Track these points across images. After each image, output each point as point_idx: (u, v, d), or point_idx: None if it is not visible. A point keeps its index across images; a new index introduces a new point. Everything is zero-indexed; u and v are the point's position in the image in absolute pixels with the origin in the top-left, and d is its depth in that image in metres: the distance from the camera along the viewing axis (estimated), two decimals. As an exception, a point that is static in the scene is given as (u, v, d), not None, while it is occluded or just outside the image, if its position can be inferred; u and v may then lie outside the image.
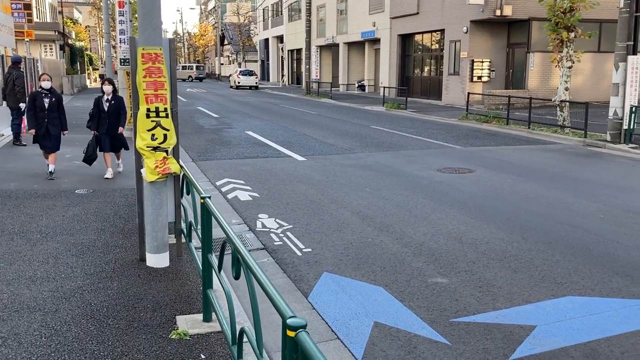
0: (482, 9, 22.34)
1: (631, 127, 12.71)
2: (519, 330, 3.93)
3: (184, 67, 62.63)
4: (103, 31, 20.72)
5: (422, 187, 8.60)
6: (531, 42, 22.57)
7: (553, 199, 7.84)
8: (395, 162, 10.74)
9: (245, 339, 2.78)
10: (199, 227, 4.06)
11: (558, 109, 15.17)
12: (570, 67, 15.08)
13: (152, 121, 4.62)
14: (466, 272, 5.00)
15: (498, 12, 21.93)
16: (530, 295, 4.51)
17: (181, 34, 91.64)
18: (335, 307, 4.32)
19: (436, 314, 4.18)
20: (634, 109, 12.68)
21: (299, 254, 5.52)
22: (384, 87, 26.96)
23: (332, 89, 32.36)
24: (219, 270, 3.39)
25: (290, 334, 1.81)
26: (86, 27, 68.20)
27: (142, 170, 4.82)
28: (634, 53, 12.85)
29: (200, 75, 61.69)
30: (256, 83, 43.73)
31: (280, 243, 5.85)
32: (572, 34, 14.87)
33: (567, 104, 14.99)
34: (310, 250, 5.62)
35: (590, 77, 22.80)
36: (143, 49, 4.59)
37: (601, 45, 22.55)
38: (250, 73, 44.70)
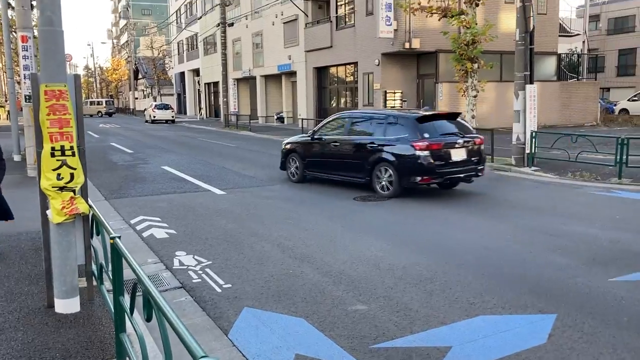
0: (392, 42, 23.30)
1: (533, 151, 13.56)
2: (436, 352, 4.03)
3: (92, 103, 60.74)
4: (6, 66, 19.74)
5: (340, 216, 8.73)
6: (439, 73, 23.73)
7: (463, 221, 8.18)
8: (314, 193, 10.85)
9: (159, 383, 2.69)
10: (110, 268, 3.90)
11: (466, 135, 15.95)
12: (475, 96, 15.96)
13: (57, 160, 4.43)
14: (384, 298, 5.10)
15: (407, 45, 22.96)
16: (445, 316, 4.66)
17: (93, 69, 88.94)
18: (256, 342, 4.26)
19: (356, 341, 4.22)
20: (534, 134, 13.56)
21: (219, 290, 5.42)
22: (302, 119, 27.32)
23: (251, 121, 32.41)
24: (131, 313, 3.27)
25: (202, 374, 1.77)
26: (-12, 62, 64.66)
27: (47, 212, 4.59)
28: (531, 82, 13.80)
29: (110, 110, 60.02)
30: (173, 117, 43.02)
31: (199, 280, 5.72)
32: (475, 65, 15.79)
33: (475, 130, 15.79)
34: (230, 285, 5.53)
35: (495, 104, 24.21)
36: (46, 86, 4.42)
37: (503, 74, 24.08)
38: (166, 107, 43.97)
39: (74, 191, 4.55)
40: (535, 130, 13.68)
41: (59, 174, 4.44)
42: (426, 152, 9.53)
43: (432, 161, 9.56)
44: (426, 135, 9.70)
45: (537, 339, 4.20)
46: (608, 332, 4.32)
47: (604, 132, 21.25)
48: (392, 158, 9.89)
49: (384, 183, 10.08)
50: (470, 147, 10.16)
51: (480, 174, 10.46)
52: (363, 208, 9.30)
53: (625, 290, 5.21)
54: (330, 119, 11.98)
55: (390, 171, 9.93)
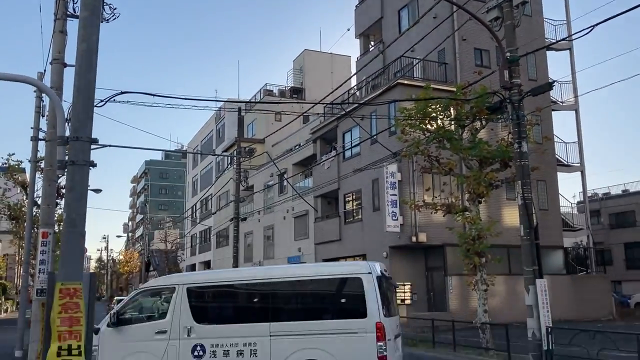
0: (399, 235, 23.86)
1: (550, 347, 13.03)
2: None
3: (97, 298, 60.48)
4: (23, 260, 20.18)
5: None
6: (447, 266, 23.85)
7: None
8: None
9: None
10: None
11: (480, 331, 15.51)
12: (485, 290, 15.86)
13: (62, 360, 4.36)
14: None
15: (414, 239, 23.46)
16: None
17: (105, 261, 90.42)
18: None
19: None
20: (549, 329, 13.16)
21: None
22: (311, 312, 26.85)
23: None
24: None
25: None
26: (4, 255, 66.21)
27: (44, 417, 4.38)
28: (541, 276, 13.78)
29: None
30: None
31: None
32: (483, 259, 15.95)
33: (488, 326, 15.41)
34: None
35: (506, 297, 23.88)
36: (62, 284, 4.53)
37: (511, 268, 24.13)
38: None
39: (75, 394, 4.39)
40: (551, 325, 13.31)
41: (63, 376, 4.33)
42: None
43: None
44: None
45: None
46: None
47: (622, 327, 20.58)
48: None
49: None
50: None
51: None
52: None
53: None
54: None
55: None
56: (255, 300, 9.05)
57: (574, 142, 30.38)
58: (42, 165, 15.61)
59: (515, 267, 23.40)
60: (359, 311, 8.19)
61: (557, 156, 28.83)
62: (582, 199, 33.32)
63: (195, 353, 8.39)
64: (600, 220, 44.29)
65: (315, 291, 8.93)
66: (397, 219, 23.63)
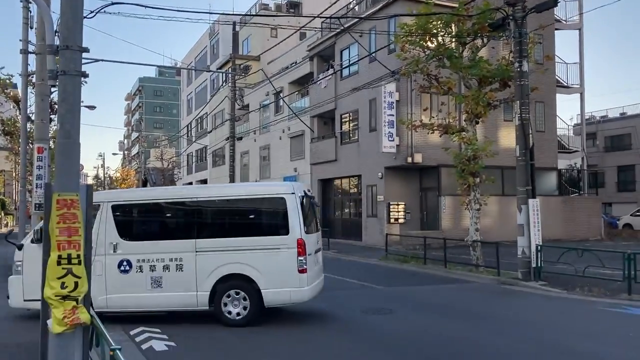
0: (394, 156, 23.93)
1: (539, 265, 13.43)
2: None
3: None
4: (19, 176, 20.23)
5: (345, 330, 8.50)
6: (441, 186, 24.11)
7: (473, 338, 7.94)
8: (319, 305, 10.63)
9: None
10: (108, 382, 3.77)
11: (471, 248, 15.89)
12: (478, 210, 16.10)
13: (63, 268, 4.44)
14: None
15: (409, 160, 23.55)
16: None
17: (102, 178, 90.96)
18: None
19: None
20: (539, 247, 13.50)
21: (217, 408, 5.17)
22: (306, 229, 27.38)
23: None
24: None
25: None
26: (1, 171, 66.41)
27: (48, 322, 4.51)
28: (534, 197, 13.98)
29: None
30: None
31: (197, 397, 5.48)
32: (477, 179, 16.08)
33: (479, 243, 15.77)
34: (229, 403, 5.28)
35: (498, 218, 24.32)
36: (59, 195, 4.54)
37: (505, 189, 24.42)
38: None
39: (77, 300, 4.51)
40: (540, 244, 13.65)
41: (63, 283, 4.42)
42: None
43: None
44: None
45: None
46: None
47: (609, 246, 21.14)
48: None
49: None
50: None
51: None
52: (369, 321, 9.07)
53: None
54: None
55: None
56: (182, 218, 9.28)
57: (575, 63, 29.89)
58: (34, 79, 15.30)
59: (509, 189, 23.66)
60: (282, 228, 8.68)
61: (557, 77, 28.45)
62: (579, 121, 33.25)
63: (122, 268, 8.69)
64: (596, 143, 44.43)
65: (241, 210, 9.25)
66: (393, 140, 23.59)
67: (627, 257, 11.53)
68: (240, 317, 8.58)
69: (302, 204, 8.78)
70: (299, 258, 8.46)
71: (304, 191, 9.25)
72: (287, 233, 8.57)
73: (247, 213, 9.22)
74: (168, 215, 9.28)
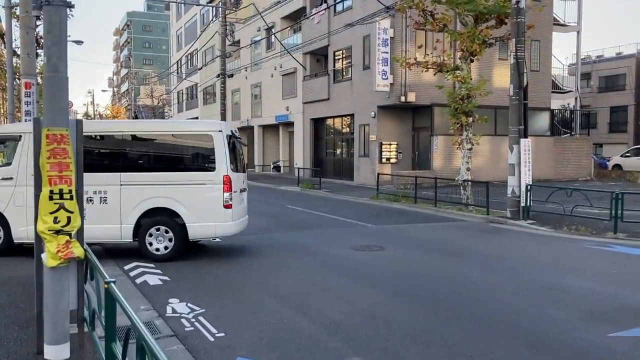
0: (388, 95, 23.72)
1: (528, 204, 13.61)
2: (434, 406, 3.94)
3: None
4: (7, 112, 19.92)
5: (337, 265, 8.67)
6: (434, 126, 24.06)
7: (461, 274, 8.14)
8: (311, 242, 10.81)
9: None
10: (103, 314, 3.84)
11: (461, 188, 16.03)
12: (470, 149, 16.13)
13: (55, 203, 4.43)
14: (380, 350, 5.01)
15: (403, 99, 23.37)
16: (443, 370, 4.57)
17: (92, 116, 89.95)
18: (249, 393, 4.15)
19: (352, 394, 4.12)
20: (529, 187, 13.65)
21: (212, 339, 5.32)
22: (299, 168, 27.48)
23: (248, 169, 32.52)
24: (124, 360, 3.20)
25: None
26: (-12, 107, 65.36)
27: (42, 255, 4.55)
28: (525, 136, 14.00)
29: None
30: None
31: (192, 329, 5.62)
32: (470, 119, 16.03)
33: (470, 183, 15.90)
34: (223, 334, 5.43)
35: (489, 157, 24.45)
36: (48, 130, 4.47)
37: (497, 129, 24.41)
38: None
39: (70, 235, 4.53)
40: (530, 183, 13.78)
41: (55, 217, 4.43)
42: None
43: None
44: None
45: (537, 395, 4.11)
46: (608, 388, 4.23)
47: (598, 186, 21.42)
48: None
49: None
50: None
51: None
52: (360, 257, 9.25)
53: (626, 346, 5.14)
54: None
55: None
56: (108, 151, 9.23)
57: (572, 0, 29.27)
58: (18, 12, 14.82)
59: (501, 128, 23.65)
60: (209, 165, 8.83)
61: (554, 15, 27.91)
62: (574, 61, 32.88)
63: None
64: (590, 83, 44.14)
65: (167, 145, 9.24)
66: (387, 78, 23.32)
67: (615, 196, 11.69)
68: (165, 251, 8.75)
69: (229, 142, 8.90)
70: (225, 194, 8.66)
71: (231, 131, 9.36)
72: (213, 170, 8.71)
73: (173, 149, 9.24)
74: (93, 147, 9.00)
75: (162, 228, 8.75)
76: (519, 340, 5.26)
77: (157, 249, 8.74)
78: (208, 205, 8.68)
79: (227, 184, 8.67)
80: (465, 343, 5.18)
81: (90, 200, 8.49)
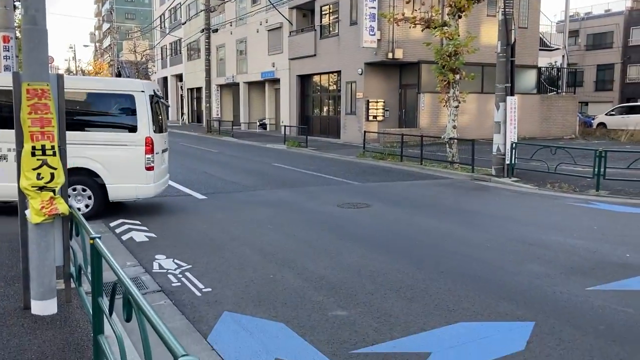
0: (375, 52, 23.47)
1: (513, 162, 13.73)
2: (416, 357, 4.05)
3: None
4: (-15, 67, 19.37)
5: (322, 222, 8.74)
6: (421, 84, 23.94)
7: (445, 230, 8.25)
8: (297, 199, 10.85)
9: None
10: (89, 269, 3.86)
11: (447, 146, 16.09)
12: (456, 107, 16.12)
13: (37, 159, 4.38)
14: (364, 304, 5.11)
15: (390, 55, 23.14)
16: (425, 323, 4.68)
17: (74, 72, 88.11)
18: (235, 346, 4.23)
19: (336, 346, 4.22)
20: (514, 145, 13.74)
21: (198, 294, 5.38)
22: (285, 126, 27.34)
23: (234, 127, 32.30)
24: (110, 314, 3.23)
25: (182, 372, 1.76)
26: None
27: (26, 212, 4.53)
28: (512, 94, 13.99)
29: None
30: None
31: (179, 284, 5.68)
32: (457, 76, 15.95)
33: (455, 141, 15.95)
34: (210, 290, 5.49)
35: (476, 116, 24.48)
36: (28, 85, 4.38)
37: (484, 86, 24.37)
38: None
39: (53, 191, 4.50)
40: (516, 141, 13.87)
41: (39, 174, 4.39)
42: None
43: None
44: None
45: (516, 346, 4.24)
46: (586, 340, 4.38)
47: (582, 145, 21.61)
48: None
49: None
50: None
51: None
52: (345, 214, 9.32)
53: (603, 299, 5.28)
54: None
55: None
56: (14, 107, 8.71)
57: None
58: (-7, -38, 14.23)
59: (488, 86, 23.60)
60: (131, 126, 8.62)
61: (544, -29, 27.54)
62: (563, 18, 32.62)
63: None
64: (578, 41, 43.96)
65: (87, 103, 8.97)
66: (374, 34, 23.03)
67: (598, 154, 11.82)
68: (86, 209, 8.55)
69: (151, 102, 8.70)
70: (147, 156, 8.53)
71: (154, 90, 9.13)
72: (135, 130, 8.54)
73: (94, 108, 8.95)
74: (6, 102, 8.25)
75: (79, 187, 8.53)
76: (500, 294, 5.39)
77: (79, 209, 8.45)
78: (129, 167, 8.52)
79: (149, 145, 8.51)
80: (448, 297, 5.30)
81: (4, 158, 8.16)
